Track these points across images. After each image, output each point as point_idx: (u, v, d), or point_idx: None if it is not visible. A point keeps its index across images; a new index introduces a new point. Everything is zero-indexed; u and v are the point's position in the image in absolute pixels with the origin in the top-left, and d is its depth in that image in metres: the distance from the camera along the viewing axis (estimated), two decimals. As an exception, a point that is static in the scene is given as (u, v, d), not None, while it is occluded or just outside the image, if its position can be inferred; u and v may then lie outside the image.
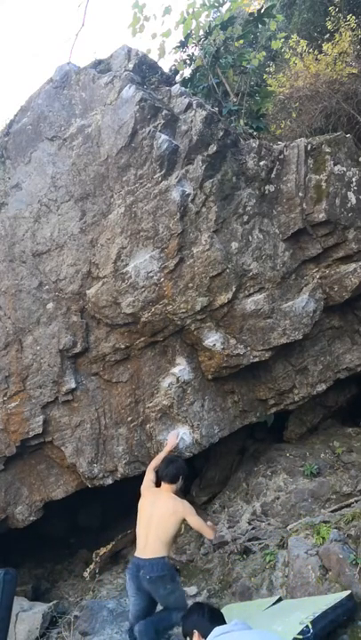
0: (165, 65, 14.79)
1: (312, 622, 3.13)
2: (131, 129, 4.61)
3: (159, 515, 3.78)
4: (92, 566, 5.56)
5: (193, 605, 2.98)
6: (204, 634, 2.63)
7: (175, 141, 4.68)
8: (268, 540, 4.70)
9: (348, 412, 6.19)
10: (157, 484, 4.17)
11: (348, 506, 4.66)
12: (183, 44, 6.20)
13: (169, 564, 3.79)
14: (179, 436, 4.76)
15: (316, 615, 3.20)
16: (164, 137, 4.59)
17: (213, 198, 4.68)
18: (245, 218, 4.81)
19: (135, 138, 4.63)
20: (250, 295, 4.81)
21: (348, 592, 3.46)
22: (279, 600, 3.88)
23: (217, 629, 2.55)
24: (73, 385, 4.96)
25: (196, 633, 2.71)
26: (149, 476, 4.26)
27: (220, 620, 2.71)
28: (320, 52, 6.94)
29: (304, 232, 4.89)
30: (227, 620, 2.72)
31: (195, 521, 3.78)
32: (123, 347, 4.93)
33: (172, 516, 3.76)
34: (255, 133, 5.76)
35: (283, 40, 6.85)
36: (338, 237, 4.88)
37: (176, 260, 4.63)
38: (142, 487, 4.15)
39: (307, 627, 3.11)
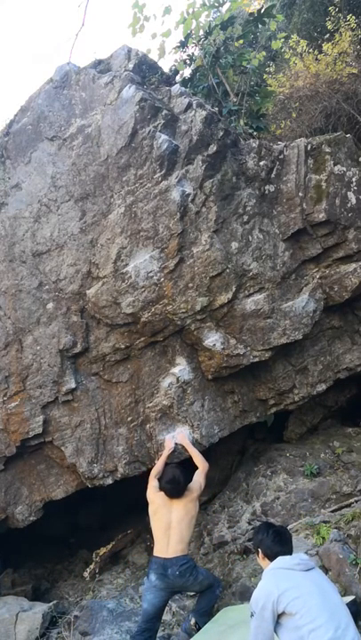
0: (165, 65, 14.81)
1: None
2: (131, 129, 4.61)
3: (177, 520, 3.98)
4: (92, 566, 5.56)
5: (261, 524, 3.13)
6: (266, 553, 2.85)
7: (175, 141, 4.68)
8: (268, 540, 4.70)
9: (349, 411, 6.18)
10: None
11: (348, 506, 4.66)
12: (183, 44, 6.19)
13: (189, 556, 4.10)
14: (174, 439, 4.77)
15: None
16: (164, 137, 4.59)
17: (213, 198, 4.68)
18: (245, 218, 4.81)
19: (135, 138, 4.63)
20: (250, 295, 4.81)
21: (352, 597, 3.47)
22: None
23: (280, 561, 2.72)
24: (73, 385, 4.95)
25: (260, 551, 2.90)
26: (153, 483, 4.30)
27: (284, 543, 2.86)
28: (320, 51, 6.94)
29: (304, 232, 4.89)
30: (227, 621, 2.77)
31: (202, 481, 4.22)
32: (123, 347, 4.93)
33: (187, 517, 4.01)
34: (255, 133, 5.76)
35: (283, 40, 6.84)
36: (338, 237, 4.88)
37: (176, 260, 4.63)
38: (149, 493, 4.21)
39: None
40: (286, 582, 2.57)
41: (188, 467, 4.54)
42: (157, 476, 4.42)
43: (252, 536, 3.11)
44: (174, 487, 4.13)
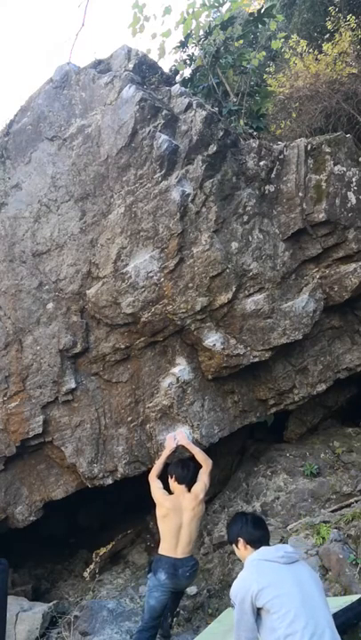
0: (165, 65, 14.78)
1: None
2: (131, 129, 4.61)
3: (187, 521, 4.02)
4: (92, 566, 5.56)
5: (236, 515, 3.09)
6: (249, 540, 2.79)
7: (175, 141, 4.68)
8: (268, 540, 4.70)
9: (349, 412, 6.19)
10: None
11: (348, 506, 4.67)
12: (183, 44, 6.19)
13: (195, 558, 4.18)
14: (175, 439, 4.75)
15: None
16: (164, 137, 4.59)
17: (213, 198, 4.68)
18: (245, 218, 4.81)
19: (135, 138, 4.63)
20: (250, 295, 4.81)
21: (358, 596, 3.46)
22: None
23: (264, 552, 2.67)
24: (73, 385, 4.95)
25: (241, 540, 2.83)
26: (158, 485, 4.27)
27: (264, 528, 2.85)
28: (320, 52, 6.93)
29: (304, 232, 4.89)
30: (231, 621, 2.74)
31: (206, 481, 4.22)
32: (123, 347, 4.93)
33: (195, 518, 4.06)
34: (255, 133, 5.75)
35: (283, 40, 6.84)
36: (338, 237, 4.88)
37: (176, 260, 4.63)
38: (158, 497, 4.17)
39: None
40: (267, 577, 2.50)
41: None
42: (158, 475, 4.40)
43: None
44: (185, 473, 4.13)
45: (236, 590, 2.55)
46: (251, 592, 2.46)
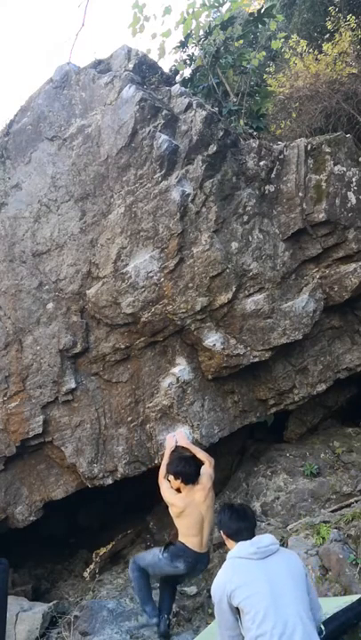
0: (165, 65, 14.79)
1: (324, 623, 3.11)
2: (131, 129, 4.61)
3: (205, 512, 4.01)
4: (92, 566, 5.56)
5: (222, 506, 3.07)
6: (227, 533, 2.79)
7: (175, 141, 4.68)
8: (268, 540, 4.69)
9: (349, 412, 6.19)
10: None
11: (348, 506, 4.66)
12: (183, 44, 6.20)
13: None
14: (175, 438, 4.73)
15: (328, 616, 3.17)
16: (164, 137, 4.59)
17: (213, 198, 4.68)
18: (245, 218, 4.81)
19: (135, 138, 4.63)
20: (250, 295, 4.81)
21: (358, 596, 3.45)
22: None
23: (239, 548, 2.64)
24: (73, 385, 4.95)
25: (222, 533, 2.85)
26: (166, 485, 4.19)
27: (243, 519, 2.80)
28: (320, 52, 6.93)
29: (304, 232, 4.89)
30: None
31: (210, 472, 4.17)
32: (123, 347, 4.93)
33: (210, 510, 4.06)
34: (255, 133, 5.75)
35: (283, 40, 6.84)
36: (338, 237, 4.88)
37: (176, 260, 4.63)
38: (169, 498, 4.09)
39: (319, 627, 3.09)
40: (240, 576, 2.49)
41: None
42: (166, 476, 4.34)
43: None
44: (190, 470, 4.08)
45: (214, 590, 2.56)
46: (226, 591, 2.46)
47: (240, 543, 2.66)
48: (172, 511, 4.06)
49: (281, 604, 2.39)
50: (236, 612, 2.47)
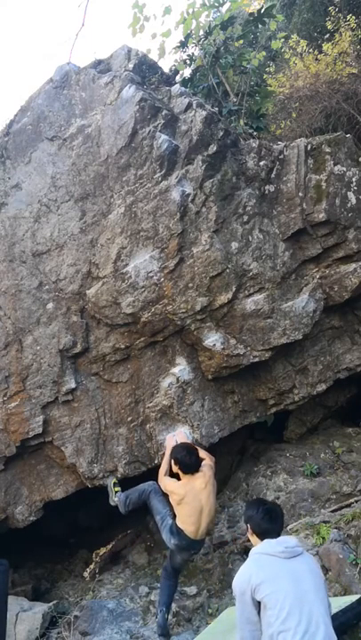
0: (165, 65, 14.81)
1: None
2: (131, 129, 4.61)
3: (205, 500, 4.02)
4: (92, 566, 5.56)
5: (254, 500, 3.13)
6: (254, 530, 2.84)
7: (175, 141, 4.68)
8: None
9: (349, 411, 6.19)
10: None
11: (348, 506, 4.66)
12: (183, 44, 6.20)
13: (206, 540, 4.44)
14: (175, 438, 4.73)
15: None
16: (164, 137, 4.59)
17: (213, 198, 4.68)
18: (245, 218, 4.81)
19: (135, 138, 4.63)
20: (250, 295, 4.81)
21: (358, 596, 3.45)
22: None
23: (266, 545, 2.69)
24: (73, 385, 4.95)
25: (249, 527, 2.89)
26: (167, 479, 4.21)
27: (273, 521, 2.84)
28: (320, 52, 6.94)
29: (304, 232, 4.89)
30: (231, 621, 2.74)
31: (211, 463, 4.23)
32: (123, 347, 4.93)
33: (212, 497, 4.07)
34: (255, 133, 5.76)
35: (283, 40, 6.85)
36: (338, 237, 4.88)
37: (176, 260, 4.63)
38: (169, 487, 4.11)
39: None
40: (265, 572, 2.53)
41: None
42: (166, 474, 4.34)
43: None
44: (191, 461, 4.08)
45: (237, 583, 2.59)
46: (250, 585, 2.50)
47: (267, 540, 2.72)
48: (172, 499, 4.08)
49: (305, 602, 2.44)
50: (258, 606, 2.50)
